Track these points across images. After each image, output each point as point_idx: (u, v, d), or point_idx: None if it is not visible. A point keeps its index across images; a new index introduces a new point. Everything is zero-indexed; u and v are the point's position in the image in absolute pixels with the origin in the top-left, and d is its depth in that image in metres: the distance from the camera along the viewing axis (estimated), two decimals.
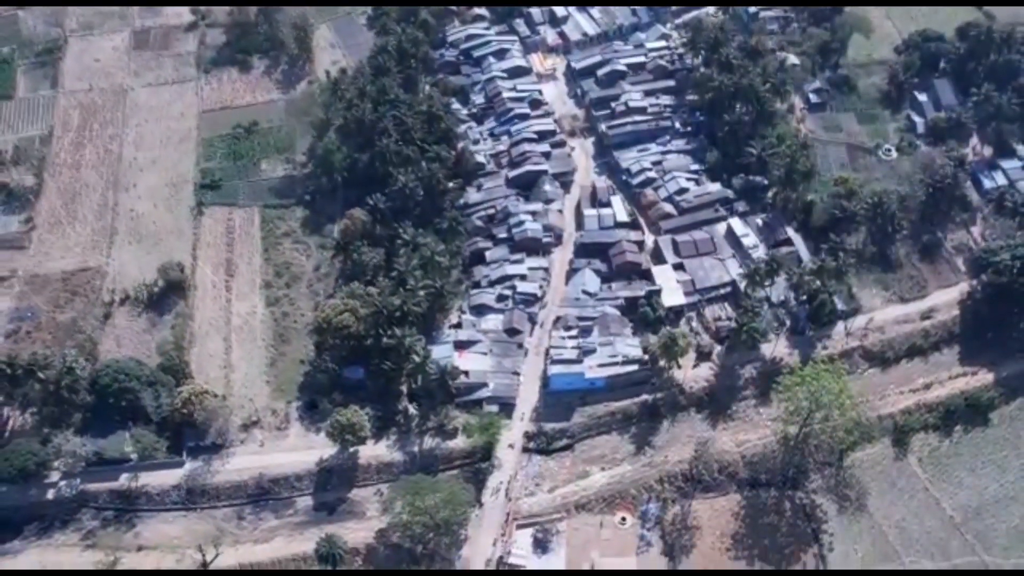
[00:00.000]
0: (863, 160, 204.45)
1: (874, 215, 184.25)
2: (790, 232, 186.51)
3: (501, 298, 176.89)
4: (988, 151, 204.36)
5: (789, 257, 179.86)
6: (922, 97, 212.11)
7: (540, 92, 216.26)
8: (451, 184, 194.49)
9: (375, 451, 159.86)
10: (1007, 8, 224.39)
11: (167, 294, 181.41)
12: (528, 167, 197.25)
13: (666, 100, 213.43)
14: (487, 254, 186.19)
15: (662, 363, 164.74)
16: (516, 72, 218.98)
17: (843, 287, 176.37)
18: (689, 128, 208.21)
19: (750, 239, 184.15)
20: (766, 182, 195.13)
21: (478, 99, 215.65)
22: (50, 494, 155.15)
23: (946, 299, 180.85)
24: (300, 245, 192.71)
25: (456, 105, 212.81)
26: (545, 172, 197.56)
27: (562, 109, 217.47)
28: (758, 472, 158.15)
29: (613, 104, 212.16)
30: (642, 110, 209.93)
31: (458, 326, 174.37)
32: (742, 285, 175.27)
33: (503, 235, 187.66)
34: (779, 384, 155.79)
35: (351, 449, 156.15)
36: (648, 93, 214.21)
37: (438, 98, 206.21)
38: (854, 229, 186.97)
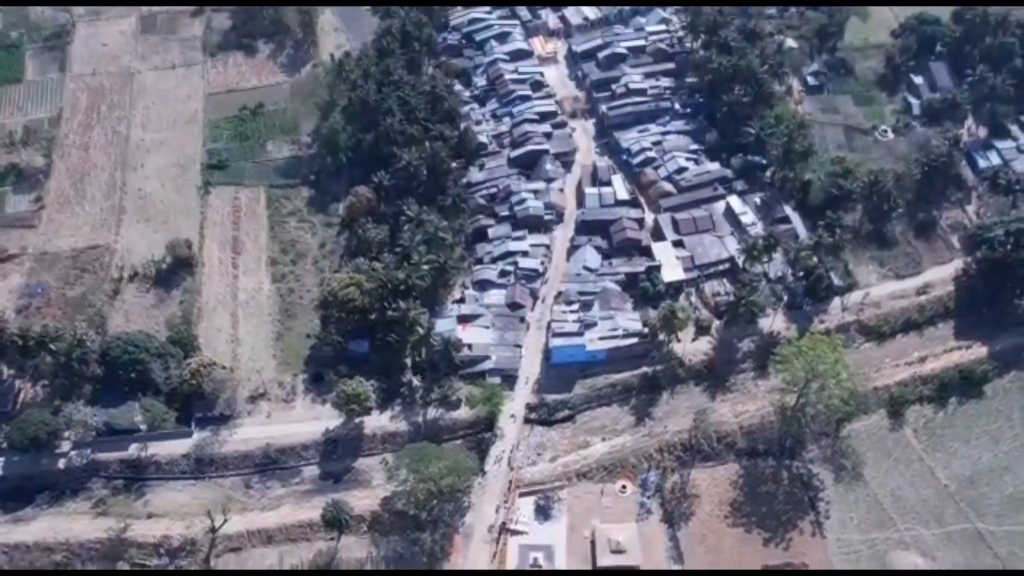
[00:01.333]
0: (860, 141, 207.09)
1: (870, 193, 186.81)
2: (787, 210, 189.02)
3: (503, 274, 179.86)
4: (983, 132, 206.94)
5: (787, 234, 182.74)
6: (918, 79, 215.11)
7: (541, 74, 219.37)
8: (454, 164, 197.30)
9: (380, 422, 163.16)
10: None
11: (175, 271, 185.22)
12: (530, 147, 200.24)
13: (666, 82, 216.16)
14: (489, 231, 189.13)
15: (662, 336, 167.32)
16: (518, 55, 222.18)
17: (839, 263, 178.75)
18: (688, 109, 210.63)
19: (748, 217, 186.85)
20: (764, 162, 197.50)
21: (480, 81, 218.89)
22: (61, 463, 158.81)
23: (941, 275, 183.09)
24: (305, 224, 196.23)
25: (459, 87, 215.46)
26: (546, 152, 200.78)
27: (563, 91, 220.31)
28: (756, 442, 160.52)
29: (613, 86, 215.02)
30: (642, 92, 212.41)
31: (461, 301, 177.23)
32: (740, 261, 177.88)
33: (505, 213, 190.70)
34: (777, 355, 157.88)
35: (356, 419, 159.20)
36: (648, 75, 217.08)
37: (441, 79, 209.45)
38: (851, 207, 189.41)
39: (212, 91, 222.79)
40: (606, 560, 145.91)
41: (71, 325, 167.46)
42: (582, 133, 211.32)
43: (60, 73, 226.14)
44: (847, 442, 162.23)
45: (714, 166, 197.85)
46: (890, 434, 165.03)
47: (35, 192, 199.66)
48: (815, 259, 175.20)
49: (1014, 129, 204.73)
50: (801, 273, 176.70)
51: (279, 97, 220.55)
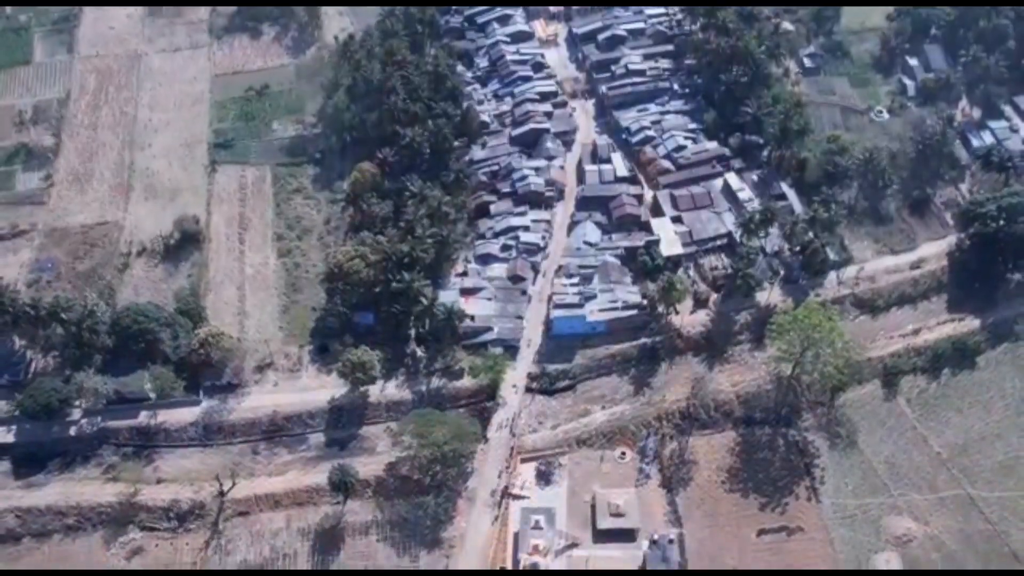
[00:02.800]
0: (855, 121, 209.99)
1: (865, 171, 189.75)
2: (784, 187, 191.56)
3: (505, 248, 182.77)
4: (977, 112, 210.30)
5: (783, 210, 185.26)
6: (913, 61, 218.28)
7: (543, 56, 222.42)
8: (456, 142, 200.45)
9: (385, 391, 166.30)
10: None
11: (183, 246, 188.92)
12: (531, 126, 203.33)
13: (665, 64, 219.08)
14: (491, 207, 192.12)
15: (660, 309, 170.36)
16: (519, 37, 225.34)
17: (835, 238, 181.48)
18: (687, 90, 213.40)
19: (745, 193, 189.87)
20: (761, 140, 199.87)
21: (482, 63, 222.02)
22: (72, 431, 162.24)
23: (935, 251, 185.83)
24: (311, 200, 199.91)
25: (461, 68, 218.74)
26: (547, 131, 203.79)
27: (564, 72, 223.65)
28: (753, 411, 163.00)
29: (613, 67, 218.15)
30: (641, 72, 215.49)
31: (464, 274, 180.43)
32: (738, 235, 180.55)
33: (507, 190, 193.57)
34: (773, 324, 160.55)
35: (361, 388, 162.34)
36: (647, 57, 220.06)
37: (444, 58, 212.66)
38: (846, 185, 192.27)
39: (218, 72, 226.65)
40: (606, 523, 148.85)
41: (82, 296, 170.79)
42: (582, 113, 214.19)
43: (68, 55, 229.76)
44: (842, 411, 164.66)
45: (712, 145, 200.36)
46: (884, 404, 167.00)
47: (45, 170, 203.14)
48: (811, 234, 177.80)
49: (1007, 109, 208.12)
50: (797, 248, 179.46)
51: (284, 78, 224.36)
